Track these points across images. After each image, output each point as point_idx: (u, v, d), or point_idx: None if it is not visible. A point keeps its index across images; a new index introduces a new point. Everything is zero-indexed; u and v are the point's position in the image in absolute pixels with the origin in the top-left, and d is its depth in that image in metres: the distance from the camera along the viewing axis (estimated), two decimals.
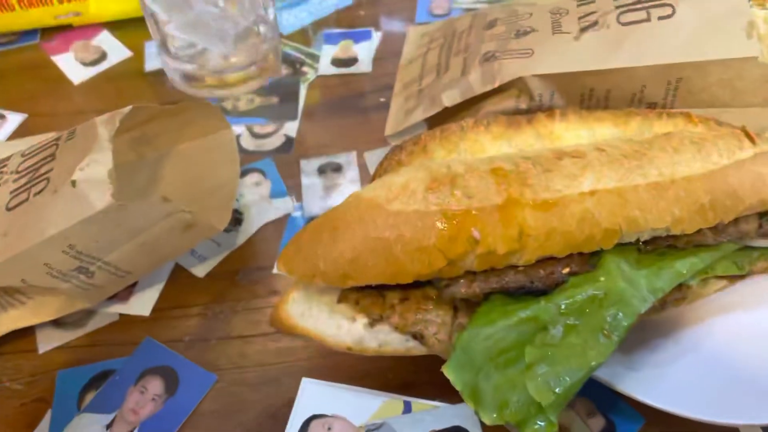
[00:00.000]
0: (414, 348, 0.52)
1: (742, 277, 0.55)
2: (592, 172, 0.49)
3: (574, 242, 0.48)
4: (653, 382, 0.54)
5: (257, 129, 0.87)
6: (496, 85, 0.64)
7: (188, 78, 0.86)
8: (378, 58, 0.96)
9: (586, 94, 0.64)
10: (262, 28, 0.84)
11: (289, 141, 0.86)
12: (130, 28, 1.05)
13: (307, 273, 0.49)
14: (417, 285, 0.51)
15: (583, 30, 0.63)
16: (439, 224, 0.47)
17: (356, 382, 0.62)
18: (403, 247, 0.47)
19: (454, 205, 0.47)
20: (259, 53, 0.85)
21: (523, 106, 0.65)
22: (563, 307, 0.48)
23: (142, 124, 0.80)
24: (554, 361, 0.45)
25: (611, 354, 0.45)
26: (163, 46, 0.83)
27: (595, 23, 0.63)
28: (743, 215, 0.51)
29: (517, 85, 0.64)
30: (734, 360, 0.56)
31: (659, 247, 0.51)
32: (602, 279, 0.48)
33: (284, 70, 0.94)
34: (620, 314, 0.46)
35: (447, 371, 0.47)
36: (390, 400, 0.60)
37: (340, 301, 0.52)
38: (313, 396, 0.61)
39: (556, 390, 0.44)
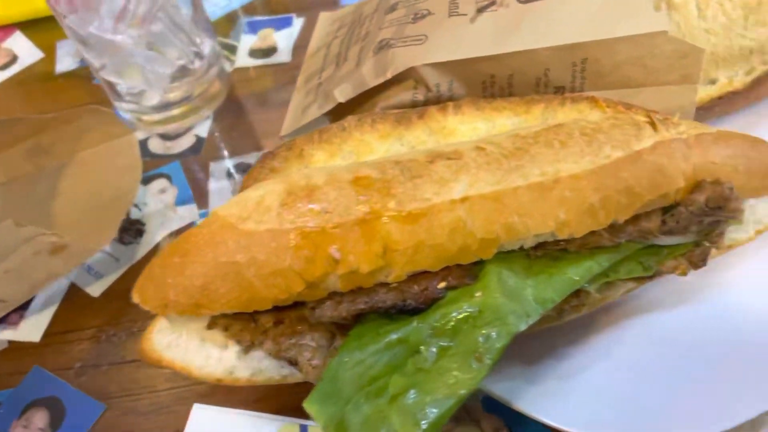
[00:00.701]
0: (290, 375, 0.48)
1: (651, 278, 0.50)
2: (466, 175, 0.44)
3: (446, 255, 0.43)
4: (555, 398, 0.49)
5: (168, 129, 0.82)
6: (388, 76, 0.58)
7: (136, 116, 0.82)
8: (299, 46, 0.91)
9: (488, 81, 0.58)
10: (197, 63, 0.79)
11: (199, 141, 0.81)
12: (43, 27, 1.00)
13: (159, 303, 0.45)
14: (292, 306, 0.47)
15: (480, 11, 0.58)
16: (294, 244, 0.42)
17: (251, 405, 0.58)
18: (256, 271, 0.43)
19: (310, 221, 0.42)
20: (200, 85, 0.81)
21: (421, 97, 0.60)
22: (436, 326, 0.43)
23: (34, 134, 0.76)
24: (423, 390, 0.41)
25: (483, 378, 0.41)
26: (111, 88, 0.79)
27: (493, 2, 0.58)
28: (643, 212, 0.46)
29: (412, 75, 0.58)
30: (646, 368, 0.51)
31: (551, 251, 0.46)
32: (478, 294, 0.43)
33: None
34: (494, 334, 0.42)
35: (308, 405, 0.42)
36: (286, 424, 0.56)
37: (209, 327, 0.48)
38: (205, 423, 0.57)
39: (422, 424, 0.40)
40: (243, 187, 0.51)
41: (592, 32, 0.54)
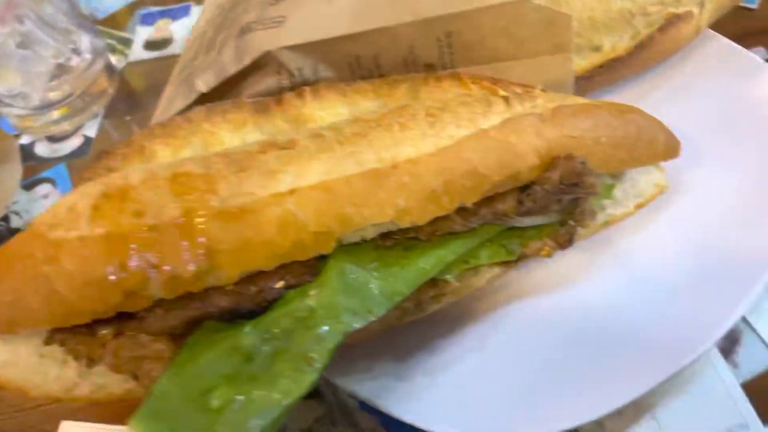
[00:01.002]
0: (134, 390, 0.45)
1: (517, 261, 0.48)
2: (296, 165, 0.41)
3: (280, 252, 0.40)
4: (420, 395, 0.47)
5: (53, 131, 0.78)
6: (246, 62, 0.55)
7: (19, 119, 0.77)
8: None
9: (354, 63, 0.55)
10: (75, 60, 0.75)
11: (87, 142, 0.77)
12: None
13: None
14: (131, 315, 0.43)
15: None
16: (104, 251, 0.39)
17: (125, 420, 0.54)
18: (67, 283, 0.39)
19: (122, 225, 0.39)
20: (82, 82, 0.76)
21: (287, 83, 0.56)
22: (270, 330, 0.40)
23: None
24: (249, 400, 0.38)
25: (312, 385, 0.38)
26: None
27: None
28: (497, 194, 0.43)
29: (271, 60, 0.55)
30: (520, 358, 0.49)
31: (402, 241, 0.43)
32: (313, 293, 0.40)
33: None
34: (325, 334, 0.39)
35: (135, 424, 0.39)
36: None
37: (47, 342, 0.44)
38: None
39: None
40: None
41: (452, 3, 0.51)
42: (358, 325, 0.40)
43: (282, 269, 0.41)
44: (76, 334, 0.43)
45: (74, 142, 0.77)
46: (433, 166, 0.41)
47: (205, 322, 0.42)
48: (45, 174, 0.73)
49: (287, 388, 0.38)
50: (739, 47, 0.59)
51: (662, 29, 0.56)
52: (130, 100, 0.81)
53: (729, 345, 0.52)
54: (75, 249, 0.39)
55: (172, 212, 0.39)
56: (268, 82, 0.56)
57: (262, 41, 0.54)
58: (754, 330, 0.53)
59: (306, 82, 0.56)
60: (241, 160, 0.42)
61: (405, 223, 0.41)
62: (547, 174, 0.43)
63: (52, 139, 0.77)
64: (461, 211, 0.43)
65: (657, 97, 0.58)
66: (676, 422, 0.49)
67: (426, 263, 0.43)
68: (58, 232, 0.40)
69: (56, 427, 0.54)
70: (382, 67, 0.55)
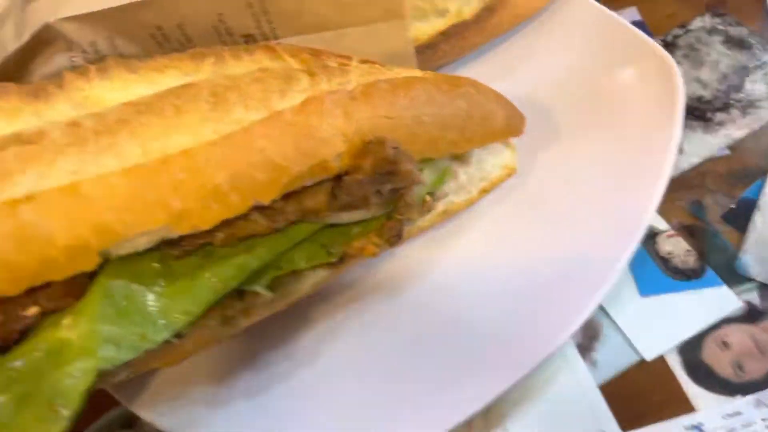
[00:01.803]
0: None
1: (342, 263, 0.41)
2: (38, 164, 0.33)
3: (25, 273, 0.33)
4: (242, 422, 0.40)
5: None
6: (26, 38, 0.46)
7: None
8: None
9: (157, 34, 0.47)
10: None
11: None
12: None
13: None
14: None
15: None
16: None
17: None
18: None
19: None
20: None
21: (80, 61, 0.48)
22: (17, 370, 0.32)
23: None
24: None
25: None
26: None
27: None
28: (303, 187, 0.37)
29: (56, 33, 0.46)
30: (358, 369, 0.43)
31: (194, 249, 0.36)
32: (66, 321, 0.33)
33: None
34: (75, 375, 0.32)
35: None
36: None
37: None
38: None
39: None
40: None
41: None
42: (122, 358, 0.33)
43: (34, 292, 0.34)
44: None
45: None
46: (214, 157, 0.34)
47: None
48: None
49: None
50: (604, 8, 0.54)
51: None
52: None
53: (587, 342, 0.48)
54: None
55: None
56: (58, 60, 0.48)
57: (42, 12, 0.46)
58: (614, 323, 0.49)
59: (104, 58, 0.48)
60: None
61: (185, 229, 0.34)
62: (358, 162, 0.37)
63: None
64: (262, 210, 0.36)
65: (510, 67, 0.53)
66: None
67: (221, 275, 0.36)
68: None
69: None
70: (192, 40, 0.48)
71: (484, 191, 0.45)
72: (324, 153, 0.36)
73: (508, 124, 0.43)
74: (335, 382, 0.43)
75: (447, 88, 0.41)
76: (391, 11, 0.46)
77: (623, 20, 0.54)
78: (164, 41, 0.48)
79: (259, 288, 0.39)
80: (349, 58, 0.42)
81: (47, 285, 0.34)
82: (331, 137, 0.36)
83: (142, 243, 0.35)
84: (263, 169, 0.35)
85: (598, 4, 0.56)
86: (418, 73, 0.42)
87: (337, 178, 0.38)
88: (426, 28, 0.51)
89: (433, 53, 0.52)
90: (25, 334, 0.34)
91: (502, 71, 0.53)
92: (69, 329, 0.33)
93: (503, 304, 0.44)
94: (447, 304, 0.45)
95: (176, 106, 0.36)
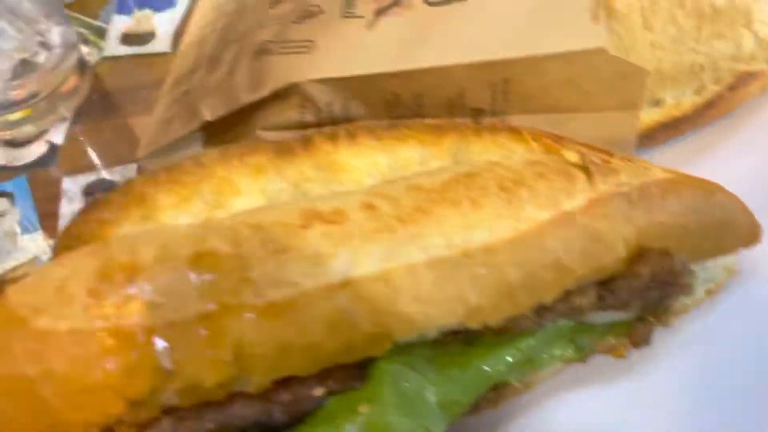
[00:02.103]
0: None
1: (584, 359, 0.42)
2: (349, 248, 0.34)
3: (324, 356, 0.33)
4: None
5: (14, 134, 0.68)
6: (265, 93, 0.47)
7: None
8: (183, 33, 0.77)
9: (392, 101, 0.48)
10: (44, 56, 0.65)
11: (53, 150, 0.67)
12: None
13: None
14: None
15: (380, 13, 0.47)
16: (106, 350, 0.31)
17: None
18: (55, 388, 0.31)
19: (131, 318, 0.31)
20: (50, 81, 0.66)
21: (311, 118, 0.49)
22: None
23: None
24: None
25: None
26: None
27: (395, 3, 0.47)
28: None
29: (296, 91, 0.47)
30: None
31: (461, 338, 0.37)
32: (363, 409, 0.33)
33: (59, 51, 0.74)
34: None
35: None
36: None
37: None
38: None
39: None
40: (59, 248, 0.39)
41: (516, 47, 0.45)
42: None
43: (322, 372, 0.34)
44: None
45: (37, 150, 0.67)
46: (511, 255, 0.35)
47: None
48: (1, 187, 0.63)
49: None
50: None
51: (732, 87, 0.51)
52: (105, 102, 0.71)
53: None
54: (67, 346, 0.31)
55: (197, 306, 0.31)
56: (288, 115, 0.49)
57: (287, 69, 0.47)
58: None
59: (334, 120, 0.49)
60: (279, 237, 0.34)
61: (475, 324, 0.35)
62: (637, 269, 0.37)
63: (12, 144, 0.67)
64: (536, 308, 0.37)
65: (718, 156, 0.53)
66: None
67: (490, 366, 0.37)
68: (44, 319, 0.32)
69: None
70: (423, 108, 0.48)
71: (710, 293, 0.46)
72: (606, 258, 0.37)
73: (749, 232, 0.44)
74: None
75: (705, 195, 0.41)
76: (628, 102, 0.47)
77: None
78: (395, 107, 0.48)
79: (513, 380, 0.39)
80: (608, 153, 0.42)
81: (335, 367, 0.34)
82: (614, 242, 0.37)
83: (432, 333, 0.35)
84: (552, 270, 0.36)
85: None
86: (669, 173, 0.43)
87: (602, 281, 0.39)
88: (644, 118, 0.51)
89: (646, 141, 0.52)
90: (307, 413, 0.34)
91: (706, 157, 0.53)
92: (366, 418, 0.33)
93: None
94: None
95: (471, 198, 0.36)
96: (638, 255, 0.37)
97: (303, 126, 0.49)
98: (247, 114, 0.50)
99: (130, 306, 0.31)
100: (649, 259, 0.37)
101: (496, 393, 0.39)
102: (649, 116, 0.52)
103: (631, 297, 0.38)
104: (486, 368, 0.37)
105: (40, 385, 0.31)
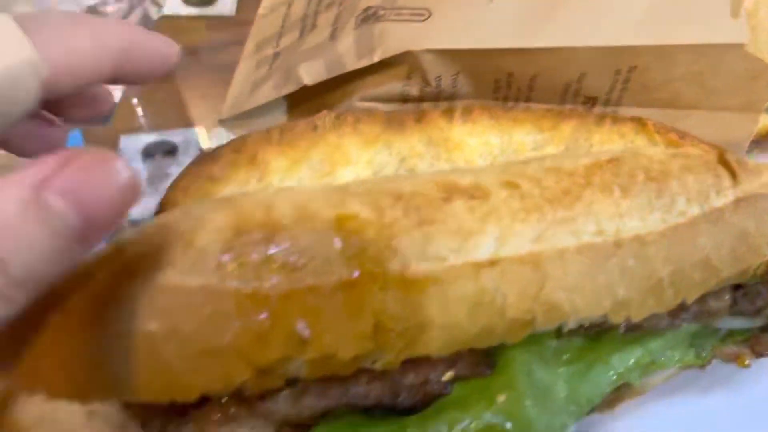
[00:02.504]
0: None
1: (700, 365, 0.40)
2: (498, 226, 0.32)
3: (462, 338, 0.31)
4: None
5: None
6: (375, 59, 0.45)
7: None
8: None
9: (503, 80, 0.46)
10: (112, 5, 0.63)
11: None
12: None
13: (23, 378, 0.30)
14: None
15: None
16: (239, 312, 0.28)
17: None
18: (178, 348, 0.28)
19: (269, 279, 0.28)
20: None
21: (414, 91, 0.47)
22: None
23: None
24: None
25: None
26: None
27: None
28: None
29: (406, 60, 0.45)
30: None
31: (589, 332, 0.35)
32: (501, 398, 0.31)
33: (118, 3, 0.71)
34: None
35: None
36: None
37: None
38: None
39: None
40: (166, 202, 0.37)
41: (650, 34, 0.43)
42: None
43: (452, 357, 0.32)
44: (160, 414, 0.32)
45: None
46: (663, 249, 0.33)
47: (338, 411, 0.32)
48: None
49: None
50: None
51: None
52: None
53: None
54: (196, 303, 0.28)
55: (339, 272, 0.29)
56: (391, 85, 0.46)
57: (401, 37, 0.44)
58: None
59: (439, 94, 0.47)
60: (421, 207, 0.32)
61: (618, 319, 0.33)
62: None
63: None
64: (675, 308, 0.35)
65: None
66: None
67: (621, 364, 0.35)
68: (171, 273, 0.29)
69: None
70: (534, 91, 0.46)
71: None
72: (751, 260, 0.35)
73: None
74: None
75: None
76: (750, 104, 0.45)
77: None
78: (505, 88, 0.46)
79: (635, 381, 0.37)
80: (729, 150, 0.40)
81: (465, 351, 0.32)
82: (760, 245, 0.35)
83: (570, 325, 0.33)
84: (700, 269, 0.34)
85: None
86: None
87: (735, 285, 0.37)
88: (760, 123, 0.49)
89: (755, 147, 0.50)
90: (434, 398, 0.32)
91: None
92: (503, 408, 0.31)
93: None
94: None
95: (621, 186, 0.34)
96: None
97: (404, 99, 0.47)
98: (343, 82, 0.47)
99: (269, 266, 0.29)
100: None
101: (617, 393, 0.37)
102: (765, 120, 0.50)
103: (766, 304, 0.36)
104: (616, 365, 0.35)
105: (162, 343, 0.28)
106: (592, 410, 0.37)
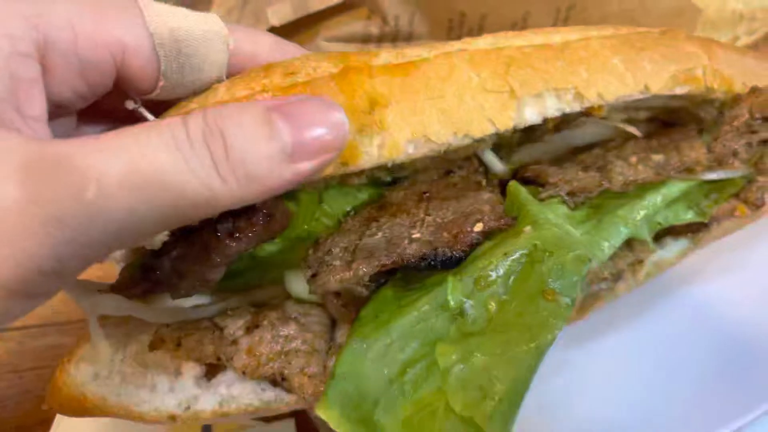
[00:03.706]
0: (276, 400, 0.35)
1: (705, 227, 0.43)
2: (464, 43, 0.37)
3: (454, 115, 0.34)
4: None
5: None
6: (338, 0, 0.50)
7: None
8: None
9: (456, 19, 0.52)
10: None
11: None
12: None
13: None
14: (270, 306, 0.36)
15: None
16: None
17: None
18: None
19: (271, 85, 0.33)
20: None
21: (375, 30, 0.51)
22: (480, 278, 0.33)
23: None
24: (483, 355, 0.31)
25: (564, 321, 0.31)
26: None
27: None
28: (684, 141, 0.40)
29: (366, 1, 0.50)
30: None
31: (592, 195, 0.39)
32: (527, 229, 0.34)
33: None
34: (564, 265, 0.32)
35: (323, 410, 0.30)
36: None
37: (153, 347, 0.35)
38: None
39: (495, 397, 0.29)
40: None
41: None
42: (596, 262, 0.36)
43: (477, 212, 0.35)
44: (195, 331, 0.35)
45: None
46: (607, 45, 0.38)
47: (382, 291, 0.34)
48: None
49: (532, 332, 0.31)
50: None
51: (766, 38, 0.57)
52: None
53: None
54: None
55: (329, 69, 0.34)
56: (353, 26, 0.52)
57: None
58: None
59: (397, 34, 0.52)
60: (402, 46, 0.39)
61: (590, 95, 0.36)
62: (734, 111, 0.41)
63: None
64: (646, 161, 0.39)
65: None
66: None
67: (628, 213, 0.39)
68: (192, 104, 0.34)
69: None
70: (485, 30, 0.53)
71: None
72: (692, 61, 0.39)
73: None
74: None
75: None
76: None
77: None
78: (458, 27, 0.52)
79: (647, 238, 0.40)
80: None
81: (487, 209, 0.35)
82: (695, 51, 0.40)
83: (551, 109, 0.36)
84: (649, 62, 0.38)
85: None
86: None
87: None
88: None
89: None
90: (469, 249, 0.34)
91: None
92: (532, 236, 0.33)
93: None
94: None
95: (557, 28, 0.40)
96: (733, 100, 0.41)
97: (365, 39, 0.53)
98: (309, 23, 0.52)
99: (269, 77, 0.33)
100: (744, 99, 0.41)
101: (635, 254, 0.40)
102: None
103: (736, 142, 0.40)
104: (623, 213, 0.38)
105: None
106: (612, 272, 0.40)
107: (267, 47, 0.36)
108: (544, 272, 0.32)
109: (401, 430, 0.30)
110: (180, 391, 0.35)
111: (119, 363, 0.36)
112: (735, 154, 0.41)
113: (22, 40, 0.28)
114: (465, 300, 0.32)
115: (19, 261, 0.23)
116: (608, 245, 0.37)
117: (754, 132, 0.40)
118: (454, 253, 0.33)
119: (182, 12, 0.33)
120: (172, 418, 0.35)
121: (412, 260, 0.33)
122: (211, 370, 0.35)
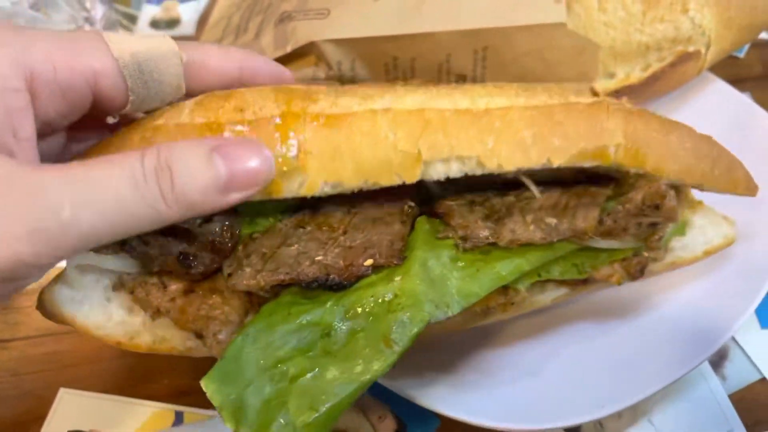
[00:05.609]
0: (195, 348, 0.46)
1: (584, 282, 0.50)
2: (393, 95, 0.45)
3: (366, 167, 0.42)
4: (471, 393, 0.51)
5: None
6: (288, 50, 0.59)
7: None
8: (206, 19, 0.85)
9: (390, 63, 0.59)
10: (87, 29, 0.76)
11: None
12: None
13: None
14: (207, 277, 0.46)
15: None
16: (199, 137, 0.41)
17: (125, 391, 0.54)
18: None
19: (221, 117, 0.42)
20: None
21: (322, 75, 0.60)
22: (350, 309, 0.42)
23: None
24: (325, 374, 0.40)
25: (391, 366, 0.40)
26: None
27: None
28: (580, 208, 0.46)
29: (313, 50, 0.59)
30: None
31: (481, 245, 0.46)
32: (397, 279, 0.42)
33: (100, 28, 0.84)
34: (407, 320, 0.41)
35: (206, 383, 0.40)
36: (160, 410, 0.53)
37: (116, 288, 0.46)
38: (71, 409, 0.53)
39: (320, 409, 0.39)
40: None
41: (492, 18, 0.56)
42: (439, 317, 0.42)
43: (372, 249, 0.44)
44: (146, 284, 0.45)
45: None
46: (524, 117, 0.44)
47: (284, 294, 0.43)
48: None
49: (365, 367, 0.40)
50: (733, 89, 0.68)
51: (673, 64, 0.63)
52: None
53: (718, 359, 0.60)
54: (170, 133, 0.42)
55: (272, 111, 0.42)
56: (304, 71, 0.60)
57: (306, 31, 0.59)
58: (740, 347, 0.61)
59: (342, 77, 0.60)
60: (341, 89, 0.46)
61: (491, 164, 0.43)
62: (630, 195, 0.46)
63: None
64: (538, 223, 0.45)
65: None
66: (670, 426, 0.56)
67: (503, 269, 0.45)
68: (159, 120, 0.43)
69: (53, 393, 0.54)
70: (416, 71, 0.60)
71: (708, 253, 0.53)
72: (605, 139, 0.44)
73: (747, 180, 0.51)
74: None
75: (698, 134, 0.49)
76: (584, 73, 0.58)
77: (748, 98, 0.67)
78: (393, 69, 0.60)
79: (522, 287, 0.47)
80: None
81: (383, 245, 0.44)
82: (613, 129, 0.45)
83: (455, 170, 0.44)
84: (560, 137, 0.44)
85: (728, 85, 0.68)
86: None
87: (603, 209, 0.46)
88: (600, 87, 0.62)
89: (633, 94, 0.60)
90: (356, 280, 0.43)
91: None
92: (399, 285, 0.42)
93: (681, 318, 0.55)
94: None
95: (496, 86, 0.47)
96: (630, 185, 0.47)
97: (315, 81, 0.60)
98: None
99: (224, 110, 0.42)
100: (641, 186, 0.46)
101: (506, 298, 0.47)
102: (604, 86, 0.62)
103: (627, 221, 0.46)
104: (499, 270, 0.45)
105: None
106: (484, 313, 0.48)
107: (215, 58, 0.44)
108: (391, 321, 0.40)
109: (259, 410, 0.39)
110: (128, 325, 0.46)
111: (92, 292, 0.46)
112: (625, 230, 0.47)
113: (13, 78, 0.36)
114: (335, 323, 0.41)
115: (7, 255, 0.32)
116: (474, 297, 0.44)
117: (645, 216, 0.46)
118: (342, 281, 0.42)
119: (140, 37, 0.42)
120: (118, 343, 0.45)
121: (307, 280, 0.42)
122: (155, 315, 0.45)
